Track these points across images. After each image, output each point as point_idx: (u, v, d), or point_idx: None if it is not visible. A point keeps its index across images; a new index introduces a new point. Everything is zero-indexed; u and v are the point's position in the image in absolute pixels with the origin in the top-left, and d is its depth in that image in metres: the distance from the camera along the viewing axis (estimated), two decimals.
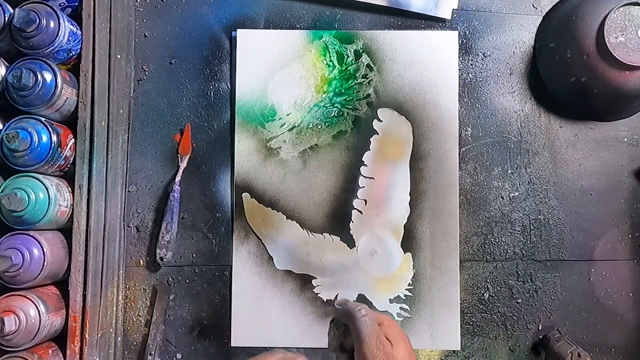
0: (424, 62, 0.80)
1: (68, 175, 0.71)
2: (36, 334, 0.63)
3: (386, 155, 0.79)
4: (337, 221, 0.79)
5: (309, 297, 0.78)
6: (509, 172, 0.80)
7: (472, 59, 0.81)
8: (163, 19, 0.81)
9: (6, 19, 0.67)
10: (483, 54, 0.81)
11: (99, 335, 0.71)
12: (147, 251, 0.79)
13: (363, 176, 0.79)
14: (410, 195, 0.79)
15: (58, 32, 0.67)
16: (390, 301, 0.78)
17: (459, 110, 0.80)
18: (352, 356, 0.54)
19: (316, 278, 0.78)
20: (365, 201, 0.79)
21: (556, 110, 0.81)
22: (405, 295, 0.78)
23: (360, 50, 0.80)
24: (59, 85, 0.67)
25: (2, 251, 0.63)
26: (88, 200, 0.71)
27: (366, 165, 0.79)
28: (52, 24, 0.67)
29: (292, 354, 0.56)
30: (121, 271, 0.77)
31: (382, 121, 0.80)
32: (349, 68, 0.80)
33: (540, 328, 0.79)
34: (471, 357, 0.79)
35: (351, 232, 0.79)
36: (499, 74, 0.81)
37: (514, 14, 0.82)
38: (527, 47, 0.82)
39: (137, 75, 0.81)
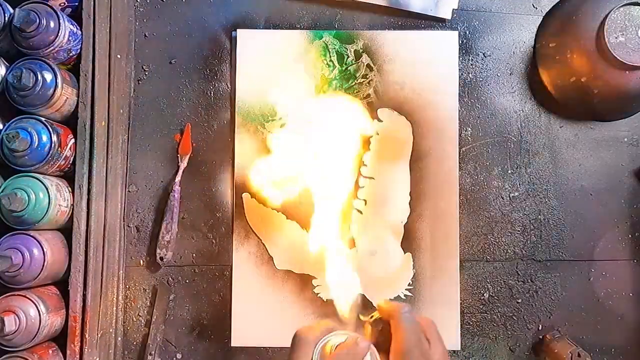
0: (424, 62, 0.80)
1: (68, 175, 0.71)
2: (36, 334, 0.63)
3: (386, 155, 0.79)
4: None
5: (309, 297, 0.78)
6: (509, 172, 0.80)
7: (472, 59, 0.81)
8: (163, 19, 0.81)
9: (6, 19, 0.67)
10: (483, 54, 0.81)
11: (99, 335, 0.71)
12: (147, 251, 0.79)
13: (363, 176, 0.79)
14: (410, 195, 0.79)
15: (58, 32, 0.67)
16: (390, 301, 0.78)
17: (459, 110, 0.80)
18: (385, 356, 0.54)
19: (316, 278, 0.78)
20: (365, 201, 0.79)
21: (556, 110, 0.81)
22: (405, 295, 0.78)
23: (361, 50, 0.80)
24: (59, 85, 0.67)
25: (2, 251, 0.63)
26: (88, 200, 0.71)
27: (366, 165, 0.79)
28: (52, 24, 0.67)
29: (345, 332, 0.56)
30: (121, 271, 0.77)
31: (382, 121, 0.80)
32: (349, 68, 0.80)
33: (540, 328, 0.79)
34: (471, 357, 0.79)
35: (351, 232, 0.79)
36: (499, 74, 0.81)
37: (514, 14, 0.82)
38: (527, 47, 0.82)
39: (137, 75, 0.81)
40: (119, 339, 0.77)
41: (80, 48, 0.71)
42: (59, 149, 0.67)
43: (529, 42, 0.82)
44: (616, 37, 0.72)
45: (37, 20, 0.65)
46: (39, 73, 0.65)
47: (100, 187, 0.72)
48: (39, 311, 0.64)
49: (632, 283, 0.79)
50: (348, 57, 0.80)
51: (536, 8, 0.82)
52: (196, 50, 0.81)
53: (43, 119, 0.67)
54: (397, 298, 0.78)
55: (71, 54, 0.71)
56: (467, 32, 0.81)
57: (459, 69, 0.81)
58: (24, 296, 0.64)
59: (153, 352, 0.77)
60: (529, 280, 0.79)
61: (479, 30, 0.82)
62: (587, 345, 0.78)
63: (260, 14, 0.81)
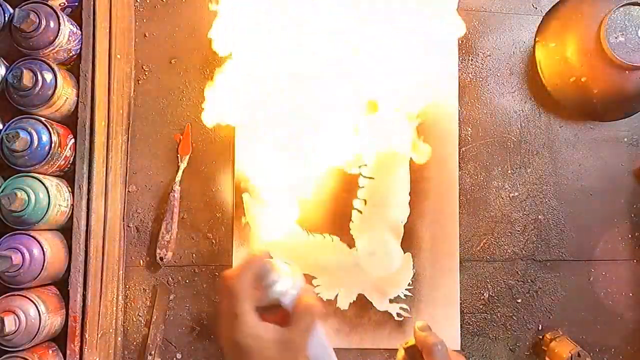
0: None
1: (68, 175, 0.71)
2: (36, 334, 0.63)
3: (386, 155, 0.79)
4: (337, 221, 0.79)
5: None
6: (509, 172, 0.80)
7: (472, 59, 0.81)
8: (163, 19, 0.81)
9: (6, 19, 0.67)
10: (483, 54, 0.81)
11: (99, 335, 0.71)
12: (147, 251, 0.79)
13: (363, 176, 0.79)
14: (410, 195, 0.79)
15: (58, 32, 0.67)
16: (390, 301, 0.78)
17: (459, 110, 0.80)
18: None
19: (316, 278, 0.78)
20: (365, 201, 0.79)
21: (556, 110, 0.81)
22: (405, 295, 0.78)
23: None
24: (59, 85, 0.67)
25: (2, 251, 0.63)
26: (88, 200, 0.71)
27: (366, 165, 0.79)
28: (52, 24, 0.67)
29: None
30: (121, 271, 0.77)
31: None
32: None
33: (540, 328, 0.79)
34: (471, 357, 0.79)
35: (351, 232, 0.79)
36: (499, 74, 0.81)
37: (514, 14, 0.82)
38: (527, 47, 0.82)
39: (137, 75, 0.81)
40: (119, 339, 0.77)
41: (80, 48, 0.71)
42: (59, 149, 0.67)
43: (529, 42, 0.82)
44: (616, 37, 0.72)
45: (37, 20, 0.65)
46: (39, 73, 0.65)
47: (100, 187, 0.72)
48: (38, 311, 0.64)
49: (632, 283, 0.79)
50: None
51: (536, 8, 0.82)
52: (196, 51, 0.81)
53: (43, 119, 0.66)
54: (397, 298, 0.78)
55: (71, 54, 0.71)
56: (467, 32, 0.81)
57: (459, 69, 0.81)
58: (24, 296, 0.64)
59: (153, 352, 0.77)
60: (529, 280, 0.79)
61: (479, 30, 0.82)
62: (587, 345, 0.78)
63: None
